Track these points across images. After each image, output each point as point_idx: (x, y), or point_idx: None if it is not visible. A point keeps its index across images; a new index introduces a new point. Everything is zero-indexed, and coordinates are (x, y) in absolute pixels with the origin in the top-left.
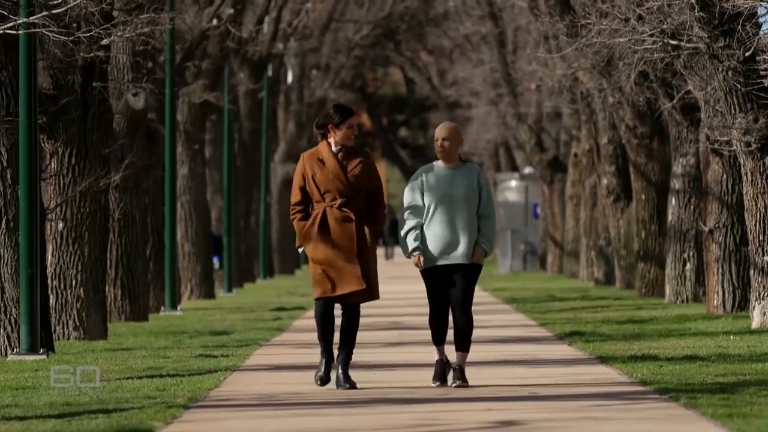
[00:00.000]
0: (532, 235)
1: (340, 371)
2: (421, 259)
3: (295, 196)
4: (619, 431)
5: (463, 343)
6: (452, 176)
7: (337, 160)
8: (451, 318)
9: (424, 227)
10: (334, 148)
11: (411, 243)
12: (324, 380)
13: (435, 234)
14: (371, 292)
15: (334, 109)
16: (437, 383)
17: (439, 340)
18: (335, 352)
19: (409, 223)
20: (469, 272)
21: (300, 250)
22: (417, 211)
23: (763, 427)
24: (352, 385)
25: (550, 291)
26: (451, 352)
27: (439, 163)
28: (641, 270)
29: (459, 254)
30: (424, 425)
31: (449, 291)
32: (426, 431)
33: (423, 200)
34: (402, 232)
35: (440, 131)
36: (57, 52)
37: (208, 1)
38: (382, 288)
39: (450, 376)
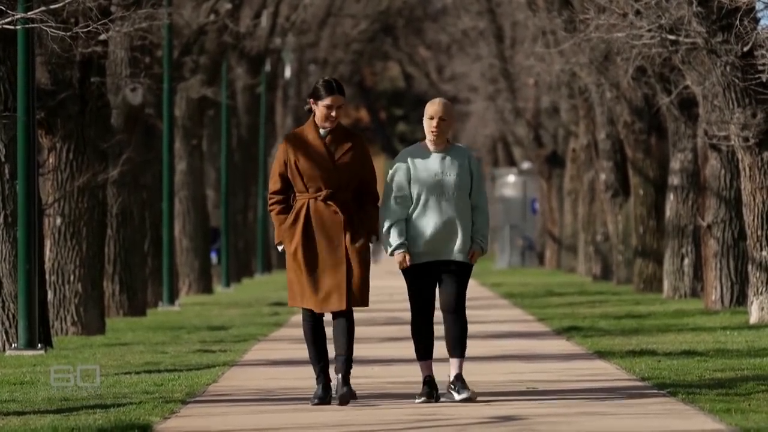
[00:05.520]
0: (530, 230)
1: (340, 377)
2: (407, 257)
3: (274, 183)
4: (617, 426)
5: (459, 349)
6: (442, 161)
7: (323, 145)
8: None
9: (412, 220)
10: (321, 131)
11: (395, 239)
12: (323, 399)
13: (425, 227)
14: (360, 299)
15: (319, 83)
16: (422, 399)
17: (425, 353)
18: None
19: (393, 215)
20: (462, 271)
21: (280, 248)
22: (403, 201)
23: (761, 421)
24: (353, 395)
25: (548, 286)
26: (442, 364)
27: (426, 144)
28: (639, 265)
29: (453, 250)
30: (422, 420)
31: (438, 293)
32: (424, 426)
33: (410, 188)
34: (385, 226)
35: (435, 109)
36: (55, 47)
37: None
38: (380, 283)
39: (448, 391)
